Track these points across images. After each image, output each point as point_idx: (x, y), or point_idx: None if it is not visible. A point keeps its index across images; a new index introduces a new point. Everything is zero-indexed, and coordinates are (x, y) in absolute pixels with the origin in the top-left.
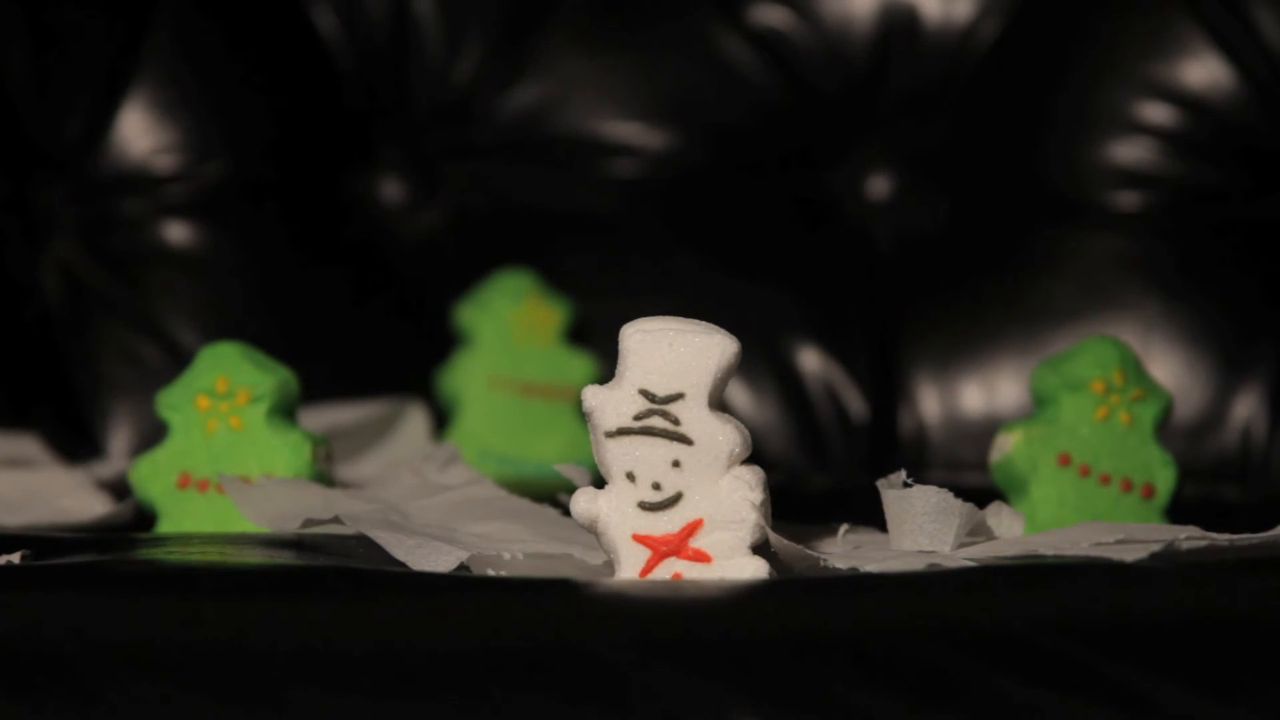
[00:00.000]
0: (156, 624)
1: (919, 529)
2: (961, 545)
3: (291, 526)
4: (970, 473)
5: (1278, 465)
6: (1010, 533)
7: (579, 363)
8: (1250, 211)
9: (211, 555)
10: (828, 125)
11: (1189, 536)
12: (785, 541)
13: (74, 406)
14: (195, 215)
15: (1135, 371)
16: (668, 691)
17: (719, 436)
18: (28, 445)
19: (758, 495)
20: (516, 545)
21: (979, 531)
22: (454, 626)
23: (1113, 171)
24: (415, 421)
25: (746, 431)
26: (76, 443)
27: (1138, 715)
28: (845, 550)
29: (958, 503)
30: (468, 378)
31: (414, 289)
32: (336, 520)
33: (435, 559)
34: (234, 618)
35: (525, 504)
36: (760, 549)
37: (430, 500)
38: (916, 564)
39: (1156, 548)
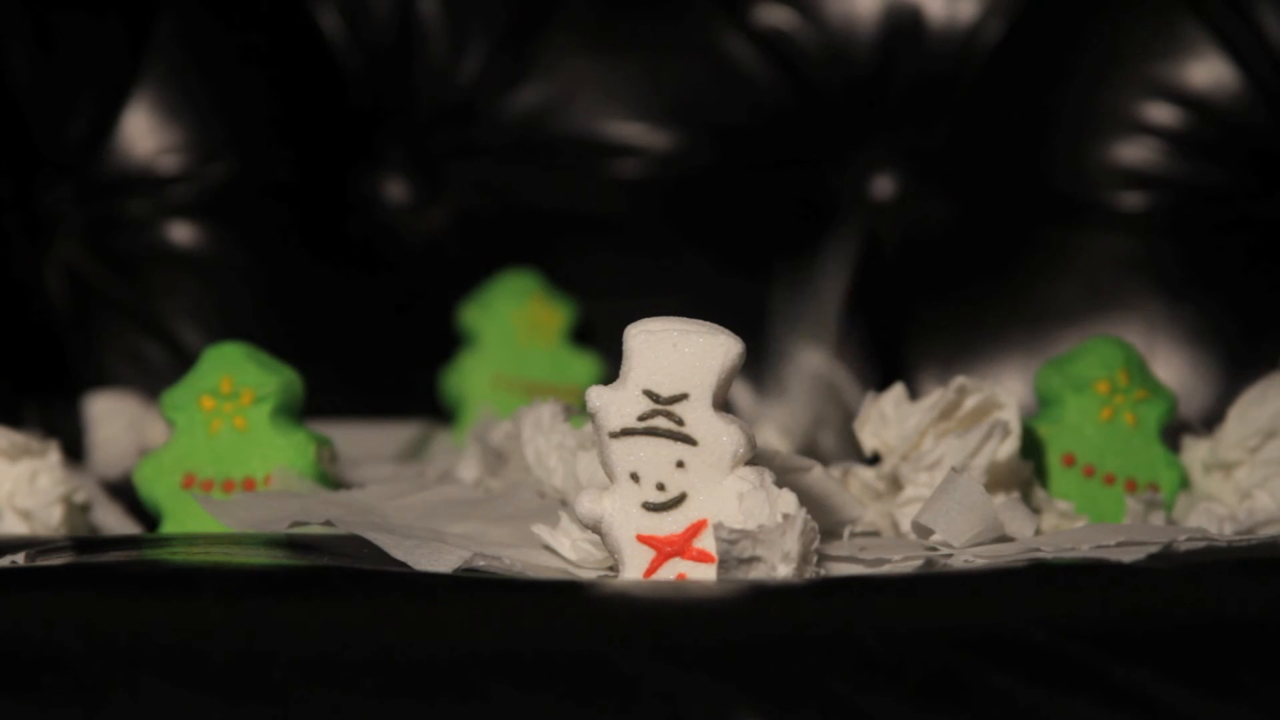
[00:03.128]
0: (160, 624)
1: (945, 512)
2: (967, 545)
3: (278, 528)
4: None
5: None
6: (1022, 533)
7: (583, 363)
8: (1255, 211)
9: (215, 556)
10: (832, 126)
11: (1189, 537)
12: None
13: (78, 406)
14: (199, 216)
15: (1140, 372)
16: (671, 691)
17: (723, 437)
18: None
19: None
20: (504, 549)
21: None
22: (457, 627)
23: (1117, 172)
24: (443, 445)
25: (751, 432)
26: (80, 443)
27: (1138, 715)
28: (851, 551)
29: (991, 510)
30: (472, 378)
31: (418, 289)
32: (327, 523)
33: (436, 559)
34: (237, 618)
35: (502, 503)
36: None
37: (405, 501)
38: (916, 560)
39: (1155, 549)
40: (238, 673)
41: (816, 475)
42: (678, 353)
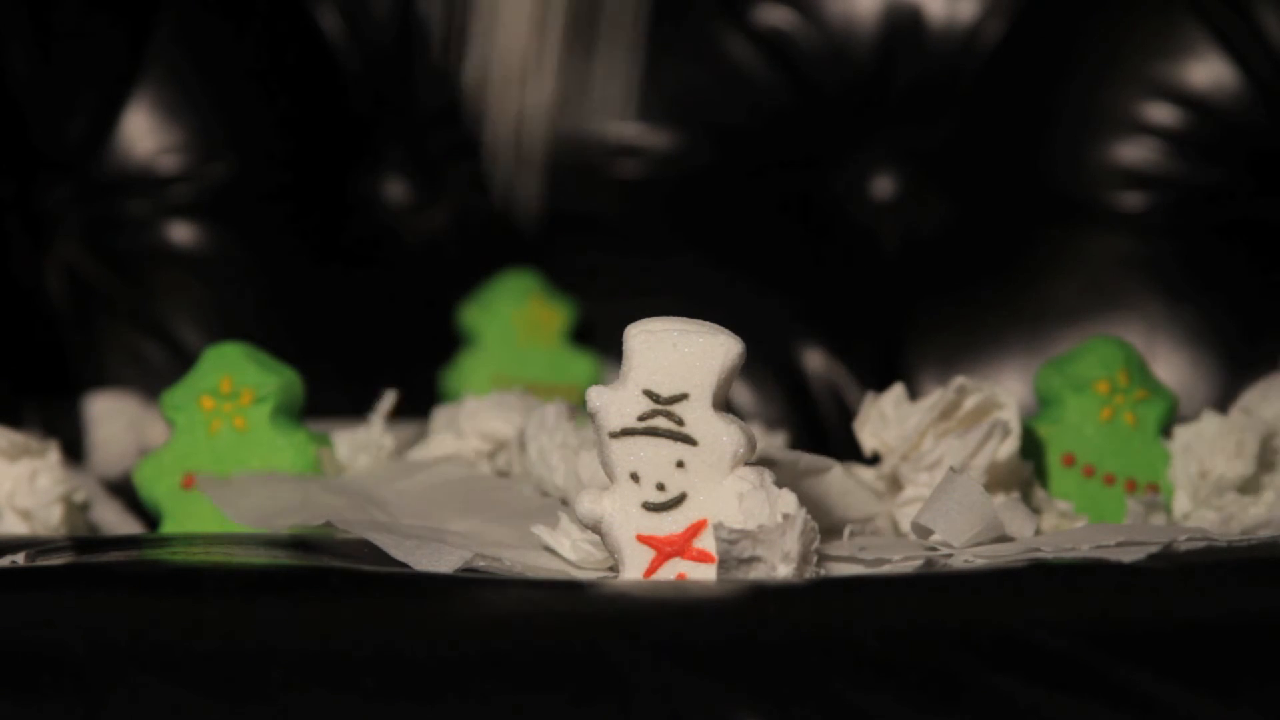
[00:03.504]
0: (160, 624)
1: (945, 513)
2: (967, 545)
3: (279, 526)
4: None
5: None
6: (1022, 533)
7: (582, 363)
8: (1254, 211)
9: (215, 556)
10: (832, 126)
11: (1189, 538)
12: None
13: (78, 406)
14: (199, 216)
15: (1140, 372)
16: (671, 692)
17: (723, 437)
18: None
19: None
20: (504, 549)
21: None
22: (456, 626)
23: (1117, 172)
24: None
25: (751, 432)
26: (80, 443)
27: (1138, 715)
28: (851, 551)
29: (991, 509)
30: (472, 378)
31: (418, 289)
32: (327, 524)
33: (436, 559)
34: (236, 618)
35: (502, 491)
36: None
37: (405, 483)
38: (916, 560)
39: (1155, 549)
40: (238, 673)
41: (836, 475)
42: (678, 353)
